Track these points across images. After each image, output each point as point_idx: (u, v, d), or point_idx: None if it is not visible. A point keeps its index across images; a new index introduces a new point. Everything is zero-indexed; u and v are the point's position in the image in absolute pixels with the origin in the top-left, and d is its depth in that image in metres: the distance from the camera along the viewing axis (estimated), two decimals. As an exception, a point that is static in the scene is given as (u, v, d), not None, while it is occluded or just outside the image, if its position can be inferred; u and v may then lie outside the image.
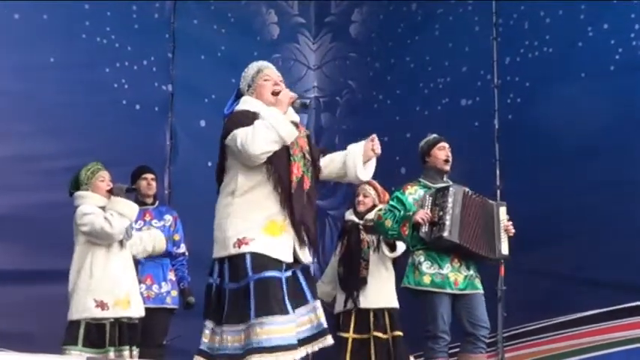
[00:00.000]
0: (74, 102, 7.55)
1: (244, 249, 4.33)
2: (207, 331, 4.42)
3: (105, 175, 5.87)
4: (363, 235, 6.63)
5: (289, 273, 4.40)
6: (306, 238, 4.47)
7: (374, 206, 6.67)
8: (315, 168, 4.63)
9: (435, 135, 5.99)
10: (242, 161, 4.40)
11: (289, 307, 4.29)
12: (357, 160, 4.64)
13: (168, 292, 6.66)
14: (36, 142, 7.27)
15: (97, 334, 5.60)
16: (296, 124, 4.53)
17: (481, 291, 5.70)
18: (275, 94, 4.55)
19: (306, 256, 4.51)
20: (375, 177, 8.36)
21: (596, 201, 6.86)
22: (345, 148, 4.76)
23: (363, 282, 6.56)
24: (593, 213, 6.86)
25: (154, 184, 6.85)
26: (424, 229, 5.58)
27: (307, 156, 4.57)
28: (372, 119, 8.79)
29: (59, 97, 7.47)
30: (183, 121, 8.31)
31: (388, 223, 5.70)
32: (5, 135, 7.09)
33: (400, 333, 6.58)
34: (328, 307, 6.73)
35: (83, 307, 5.56)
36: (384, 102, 8.79)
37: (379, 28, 9.01)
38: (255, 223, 4.36)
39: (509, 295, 7.22)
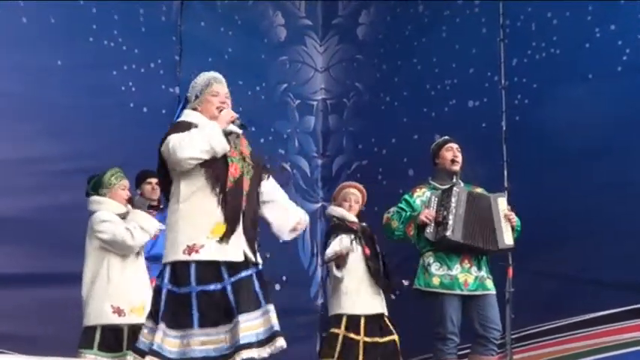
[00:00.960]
0: (80, 104, 7.53)
1: (194, 256, 4.36)
2: (158, 333, 4.39)
3: (127, 183, 5.89)
4: None
5: (243, 274, 4.41)
6: (244, 239, 4.49)
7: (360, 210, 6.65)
8: (259, 173, 4.65)
9: (445, 137, 5.99)
10: (171, 166, 4.48)
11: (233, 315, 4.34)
12: (283, 232, 4.73)
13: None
14: (41, 145, 7.25)
15: (113, 338, 5.59)
16: (237, 135, 4.58)
17: (493, 292, 5.70)
18: (218, 109, 4.60)
19: (256, 256, 4.53)
20: (382, 179, 8.43)
21: (601, 202, 6.84)
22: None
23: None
24: (599, 214, 6.84)
25: (158, 188, 6.86)
26: (429, 229, 5.59)
27: (248, 160, 4.60)
28: (379, 121, 8.79)
29: (65, 99, 7.45)
30: (190, 124, 8.29)
31: (394, 224, 5.73)
32: (11, 137, 7.05)
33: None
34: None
35: (100, 313, 5.55)
36: (392, 104, 8.77)
37: (386, 30, 9.00)
38: (202, 227, 4.40)
39: (515, 296, 7.20)
